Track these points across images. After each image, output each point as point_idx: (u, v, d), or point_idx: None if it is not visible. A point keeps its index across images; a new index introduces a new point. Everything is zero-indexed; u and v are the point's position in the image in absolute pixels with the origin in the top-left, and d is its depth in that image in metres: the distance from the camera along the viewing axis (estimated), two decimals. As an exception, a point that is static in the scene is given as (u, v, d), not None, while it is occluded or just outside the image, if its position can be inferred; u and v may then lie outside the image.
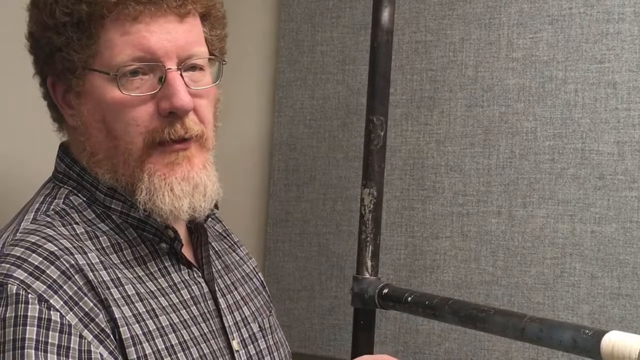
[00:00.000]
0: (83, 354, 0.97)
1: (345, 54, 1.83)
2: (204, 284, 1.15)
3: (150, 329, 1.04)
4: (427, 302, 1.33)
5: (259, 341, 1.21)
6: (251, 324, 1.21)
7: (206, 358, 1.10)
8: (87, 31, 1.03)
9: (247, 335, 1.19)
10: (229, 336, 1.15)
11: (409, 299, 1.36)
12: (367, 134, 1.46)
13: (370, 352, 1.50)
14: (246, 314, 1.21)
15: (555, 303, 1.63)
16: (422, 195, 1.75)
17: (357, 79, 1.81)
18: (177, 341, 1.06)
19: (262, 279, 1.34)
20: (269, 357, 1.22)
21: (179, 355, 1.06)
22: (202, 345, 1.10)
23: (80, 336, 0.97)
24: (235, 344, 1.16)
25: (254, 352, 1.19)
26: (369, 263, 1.46)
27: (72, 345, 0.96)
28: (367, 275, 1.46)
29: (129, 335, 1.02)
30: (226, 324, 1.16)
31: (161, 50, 1.05)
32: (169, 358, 1.05)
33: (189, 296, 1.12)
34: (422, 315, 1.37)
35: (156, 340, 1.04)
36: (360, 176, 1.76)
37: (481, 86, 1.71)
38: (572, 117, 1.63)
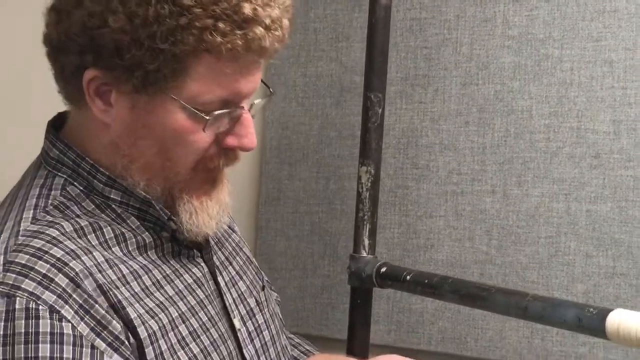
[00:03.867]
0: None
1: (339, 31, 1.81)
2: (203, 264, 1.13)
3: (164, 322, 1.02)
4: (426, 281, 1.33)
5: (257, 316, 1.20)
6: (248, 299, 1.20)
7: (216, 343, 1.08)
8: (184, 62, 0.98)
9: (245, 311, 1.18)
10: (230, 315, 1.14)
11: (408, 277, 1.35)
12: (364, 111, 1.45)
13: (367, 331, 1.49)
14: (242, 289, 1.20)
15: (550, 282, 1.63)
16: (416, 174, 1.74)
17: (350, 57, 1.79)
18: (187, 332, 1.04)
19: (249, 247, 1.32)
20: (266, 330, 1.21)
21: (191, 346, 1.04)
22: (210, 330, 1.08)
23: (92, 347, 0.94)
24: (236, 322, 1.14)
25: (252, 328, 1.18)
26: (366, 241, 1.45)
27: (84, 358, 0.94)
28: (364, 254, 1.45)
29: (146, 334, 0.99)
30: (227, 303, 1.14)
31: (246, 95, 1.03)
32: (182, 351, 1.02)
33: (192, 280, 1.10)
34: (420, 294, 1.36)
35: (169, 335, 1.02)
36: (354, 155, 1.76)
37: (476, 64, 1.69)
38: (567, 96, 1.62)
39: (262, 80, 1.07)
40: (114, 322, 0.96)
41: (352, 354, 1.51)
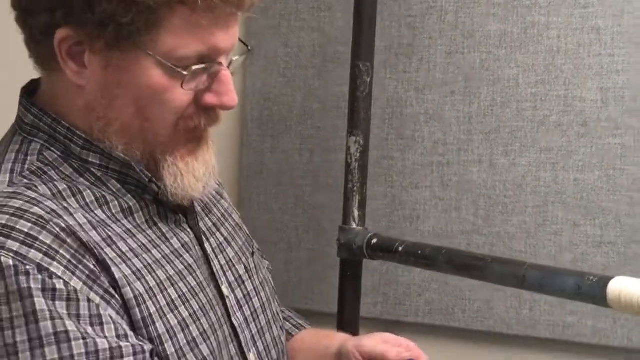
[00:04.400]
0: (94, 318, 0.92)
1: (320, 0, 1.78)
2: (189, 230, 1.11)
3: (151, 285, 1.00)
4: (419, 252, 1.31)
5: (246, 283, 1.17)
6: (236, 266, 1.18)
7: (205, 308, 1.05)
8: (157, 13, 0.95)
9: (234, 278, 1.16)
10: (218, 281, 1.12)
11: (400, 248, 1.34)
12: (352, 81, 1.42)
13: (357, 304, 1.48)
14: (231, 256, 1.17)
15: (538, 252, 1.62)
16: (402, 145, 1.72)
17: (333, 26, 1.76)
18: (176, 295, 1.02)
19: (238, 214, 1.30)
20: (256, 298, 1.18)
21: (180, 309, 1.02)
22: (199, 296, 1.06)
23: (88, 300, 0.92)
24: (224, 289, 1.12)
25: (241, 295, 1.16)
26: (356, 213, 1.43)
27: (82, 312, 0.91)
28: (354, 226, 1.43)
29: (132, 295, 0.97)
30: (214, 270, 1.12)
31: (224, 50, 1.00)
32: (171, 314, 1.00)
33: (178, 245, 1.07)
34: (413, 265, 1.35)
35: (158, 297, 1.00)
36: (337, 126, 1.74)
37: (462, 32, 1.67)
38: (554, 64, 1.61)
39: (240, 39, 1.04)
40: (102, 276, 0.94)
41: (342, 328, 1.50)
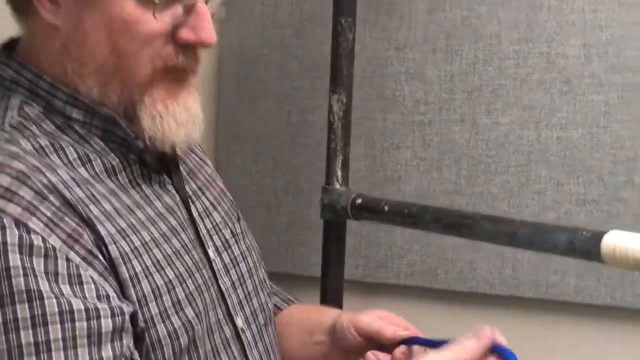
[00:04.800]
0: (73, 278, 0.88)
1: (297, -44, 1.74)
2: (174, 192, 1.08)
3: (136, 244, 0.96)
4: (405, 211, 1.28)
5: (232, 248, 1.15)
6: (223, 231, 1.15)
7: (190, 270, 1.03)
8: None
9: (220, 242, 1.13)
10: (205, 245, 1.09)
11: (386, 208, 1.31)
12: (334, 37, 1.39)
13: (341, 267, 1.45)
14: (217, 220, 1.15)
15: (521, 211, 1.60)
16: (382, 105, 1.69)
17: (311, -17, 1.72)
18: (161, 255, 0.99)
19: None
20: (243, 262, 1.16)
21: (166, 270, 0.99)
22: (185, 257, 1.03)
23: (67, 259, 0.88)
24: (211, 253, 1.10)
25: (228, 259, 1.13)
26: (339, 173, 1.40)
27: (60, 271, 0.87)
28: (338, 186, 1.40)
29: (117, 253, 0.93)
30: (201, 233, 1.09)
31: None
32: (157, 274, 0.97)
33: (163, 207, 1.04)
34: (399, 225, 1.32)
35: (143, 257, 0.97)
36: (316, 86, 1.71)
37: (442, -11, 1.64)
38: (537, 20, 1.58)
39: None
40: (85, 235, 0.90)
41: (326, 291, 1.48)
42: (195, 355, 0.99)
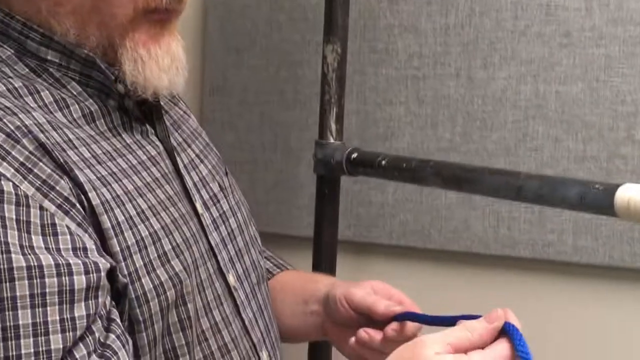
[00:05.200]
0: (47, 228, 0.81)
1: None
2: (158, 143, 1.02)
3: (118, 193, 0.90)
4: (404, 165, 1.23)
5: (221, 202, 1.10)
6: (210, 184, 1.10)
7: (177, 222, 0.97)
8: None
9: (208, 196, 1.08)
10: (192, 198, 1.03)
11: (383, 162, 1.26)
12: (329, -16, 1.32)
13: (335, 226, 1.40)
14: (204, 173, 1.09)
15: (518, 168, 1.54)
16: (374, 59, 1.63)
17: None
18: (146, 206, 0.93)
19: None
20: (232, 218, 1.11)
21: (151, 220, 0.93)
22: (170, 209, 0.97)
23: (41, 208, 0.82)
24: (198, 207, 1.04)
25: (217, 214, 1.08)
26: (333, 127, 1.34)
27: (32, 219, 0.81)
28: (332, 140, 1.34)
29: (99, 201, 0.87)
30: (187, 185, 1.03)
31: None
32: (142, 224, 0.91)
33: (145, 157, 0.98)
34: (398, 180, 1.27)
35: (127, 206, 0.90)
36: (306, 39, 1.65)
37: (438, -63, 1.58)
38: (536, -29, 1.53)
39: None
40: (62, 182, 0.84)
41: (319, 251, 1.43)
42: (184, 311, 0.94)
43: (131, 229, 0.90)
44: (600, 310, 1.54)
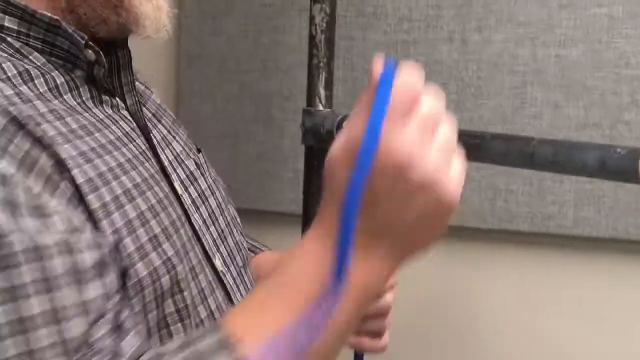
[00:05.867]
0: (34, 209, 0.70)
1: None
2: (130, 118, 0.92)
3: (102, 170, 0.80)
4: (402, 133, 1.13)
5: (199, 180, 1.00)
6: (186, 162, 1.00)
7: (162, 203, 0.87)
8: None
9: (185, 175, 0.98)
10: (170, 177, 0.93)
11: (379, 130, 1.16)
12: (316, -61, 1.22)
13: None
14: (178, 150, 1.00)
15: (515, 137, 1.47)
16: (362, 23, 1.54)
17: None
18: (130, 185, 0.83)
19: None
20: (212, 197, 1.02)
21: (137, 200, 0.82)
22: (155, 188, 0.87)
23: (25, 188, 0.71)
24: (177, 187, 0.94)
25: (196, 194, 0.98)
26: (322, 93, 1.24)
27: (17, 200, 0.69)
28: (321, 108, 1.24)
29: (83, 179, 0.76)
30: (164, 164, 0.94)
31: None
32: (129, 205, 0.81)
33: (121, 133, 0.88)
34: (395, 149, 1.17)
35: (111, 184, 0.80)
36: (287, 3, 1.55)
37: None
38: None
39: None
40: (44, 157, 0.73)
41: (308, 227, 1.33)
42: (180, 299, 0.84)
43: (118, 210, 0.79)
44: (604, 285, 1.46)
